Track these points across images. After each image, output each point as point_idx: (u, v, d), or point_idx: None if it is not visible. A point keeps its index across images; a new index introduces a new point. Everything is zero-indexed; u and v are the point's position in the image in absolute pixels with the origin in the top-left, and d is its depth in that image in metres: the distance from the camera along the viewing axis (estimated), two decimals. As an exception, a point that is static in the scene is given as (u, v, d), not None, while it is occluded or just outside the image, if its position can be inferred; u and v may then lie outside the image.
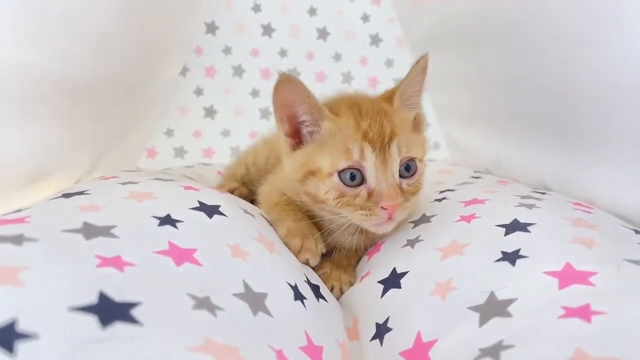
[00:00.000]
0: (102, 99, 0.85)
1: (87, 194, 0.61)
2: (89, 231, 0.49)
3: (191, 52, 1.43)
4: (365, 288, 0.67)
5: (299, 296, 0.57)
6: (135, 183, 0.68)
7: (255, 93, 1.48)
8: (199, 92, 1.45)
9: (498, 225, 0.63)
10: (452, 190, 0.88)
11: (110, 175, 0.78)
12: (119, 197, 0.61)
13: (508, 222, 0.63)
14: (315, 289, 0.64)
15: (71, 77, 0.71)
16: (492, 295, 0.51)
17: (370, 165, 0.64)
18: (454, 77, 1.22)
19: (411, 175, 0.68)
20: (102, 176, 0.79)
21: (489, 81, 1.06)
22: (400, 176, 0.67)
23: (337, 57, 1.50)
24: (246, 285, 0.52)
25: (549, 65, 0.82)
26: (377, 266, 0.69)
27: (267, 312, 0.50)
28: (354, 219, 0.66)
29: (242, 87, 1.47)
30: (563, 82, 0.79)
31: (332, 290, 0.70)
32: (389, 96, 0.72)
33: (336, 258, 0.76)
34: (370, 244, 0.77)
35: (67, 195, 0.60)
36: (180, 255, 0.50)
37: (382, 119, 0.66)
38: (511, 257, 0.56)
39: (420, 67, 0.69)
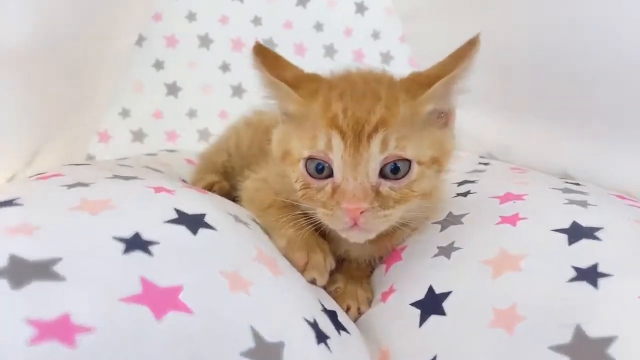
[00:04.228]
0: (43, 72, 0.72)
1: (17, 204, 0.44)
2: (19, 272, 0.32)
3: (148, 18, 1.26)
4: (394, 311, 0.53)
5: (321, 337, 0.43)
6: (86, 185, 0.51)
7: (225, 67, 1.31)
8: (158, 65, 1.29)
9: (555, 230, 0.51)
10: (472, 181, 0.76)
11: (51, 172, 0.60)
12: (64, 209, 0.44)
13: (567, 225, 0.51)
14: (333, 316, 0.50)
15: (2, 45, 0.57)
16: (578, 330, 0.40)
17: (337, 157, 0.52)
18: (449, 50, 1.10)
19: (399, 179, 0.54)
20: (41, 174, 0.61)
21: (490, 55, 0.95)
22: (384, 177, 0.53)
23: (319, 26, 1.36)
24: (255, 335, 0.37)
25: (561, 32, 0.70)
26: (402, 280, 0.57)
27: (288, 372, 0.36)
28: (320, 217, 0.55)
29: (210, 60, 1.31)
30: (579, 53, 0.68)
31: (347, 310, 0.57)
32: (422, 81, 0.56)
33: (347, 268, 0.63)
34: (384, 253, 0.64)
35: (-12, 208, 0.43)
36: (160, 301, 0.34)
37: (375, 105, 0.53)
38: (589, 275, 0.44)
39: (472, 51, 0.55)
